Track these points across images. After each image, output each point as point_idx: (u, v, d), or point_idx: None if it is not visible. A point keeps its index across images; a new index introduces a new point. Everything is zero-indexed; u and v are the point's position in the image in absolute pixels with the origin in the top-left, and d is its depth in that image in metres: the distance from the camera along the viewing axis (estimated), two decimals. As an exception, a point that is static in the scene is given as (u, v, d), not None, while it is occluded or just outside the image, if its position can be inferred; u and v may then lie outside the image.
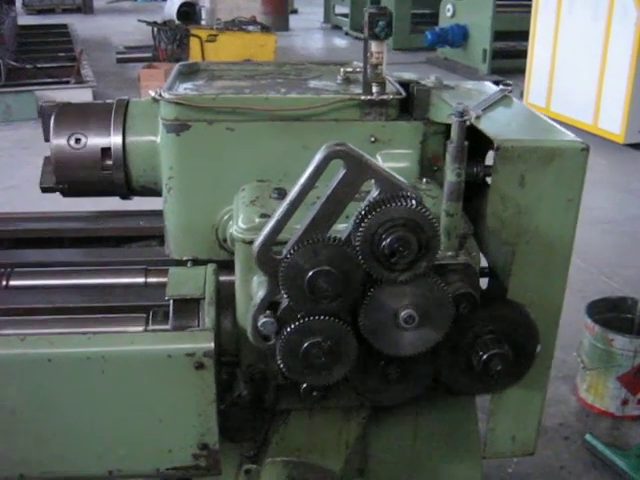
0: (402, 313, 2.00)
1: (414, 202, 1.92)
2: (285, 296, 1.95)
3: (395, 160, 2.55)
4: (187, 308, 2.25)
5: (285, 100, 2.51)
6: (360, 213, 1.93)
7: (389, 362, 2.16)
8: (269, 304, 2.06)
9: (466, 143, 2.07)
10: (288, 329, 1.99)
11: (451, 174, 2.08)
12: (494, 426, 2.49)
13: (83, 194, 2.84)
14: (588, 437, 4.08)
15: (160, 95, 2.53)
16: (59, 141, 2.72)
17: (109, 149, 2.72)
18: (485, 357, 2.15)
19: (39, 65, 11.60)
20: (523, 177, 2.19)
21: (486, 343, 2.17)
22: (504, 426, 2.50)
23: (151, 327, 2.30)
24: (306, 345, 1.99)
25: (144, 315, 2.34)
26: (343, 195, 1.96)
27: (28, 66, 11.41)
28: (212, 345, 2.10)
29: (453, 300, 2.04)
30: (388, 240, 1.89)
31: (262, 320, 2.03)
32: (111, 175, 2.74)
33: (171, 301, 2.27)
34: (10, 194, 7.26)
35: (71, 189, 2.81)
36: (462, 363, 2.21)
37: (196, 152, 2.53)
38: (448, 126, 2.47)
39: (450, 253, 2.14)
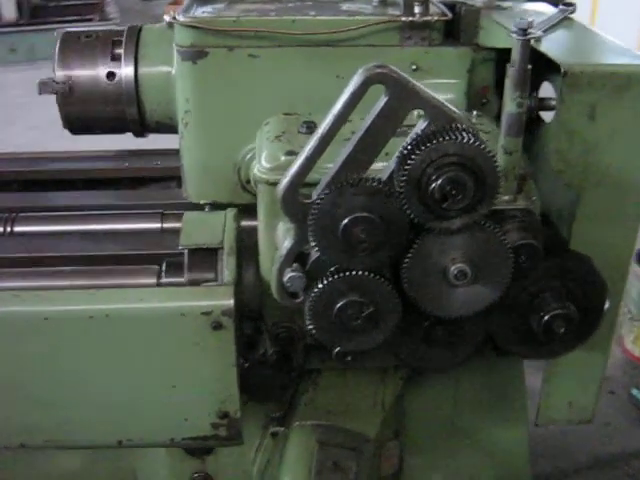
0: (452, 268, 1.62)
1: (471, 136, 1.52)
2: (315, 247, 1.58)
3: (439, 91, 2.11)
4: (203, 259, 1.88)
5: (315, 22, 2.10)
6: (405, 148, 1.54)
7: (435, 323, 1.78)
8: (297, 256, 1.69)
9: (529, 67, 1.66)
10: (319, 286, 1.61)
11: (511, 103, 1.68)
12: (550, 390, 2.13)
13: (94, 131, 2.47)
14: (634, 391, 3.72)
15: (174, 18, 2.13)
16: (65, 73, 2.34)
17: (120, 81, 2.33)
18: (547, 318, 1.78)
19: (63, 3, 10.99)
20: (594, 108, 1.78)
21: (548, 301, 1.79)
22: (561, 391, 2.14)
23: (165, 280, 1.94)
24: (339, 305, 1.62)
25: (157, 267, 1.98)
26: (384, 127, 1.57)
27: (52, 4, 10.85)
28: (232, 302, 1.74)
29: (512, 252, 1.66)
30: (439, 181, 1.50)
31: (289, 274, 1.66)
32: (123, 110, 2.36)
33: (186, 251, 1.90)
34: (33, 135, 6.84)
35: (81, 126, 2.44)
36: (520, 325, 1.83)
37: (215, 82, 2.14)
38: (500, 52, 2.07)
39: (507, 197, 1.75)
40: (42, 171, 2.64)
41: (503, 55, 2.00)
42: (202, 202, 2.20)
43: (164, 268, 1.96)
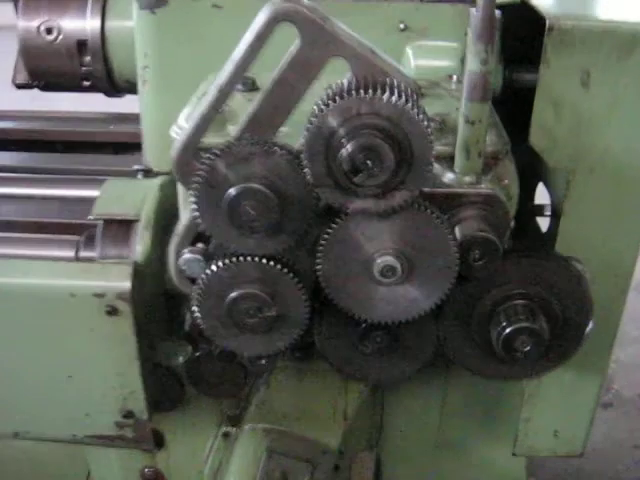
0: (378, 261, 1.23)
1: (397, 92, 1.13)
2: (201, 223, 1.22)
3: (431, 55, 1.75)
4: (118, 232, 1.55)
5: (287, -30, 1.72)
6: (316, 107, 1.16)
7: (371, 328, 1.39)
8: (200, 235, 1.33)
9: (498, 13, 1.25)
10: (208, 270, 1.25)
11: (474, 60, 1.27)
12: (531, 415, 1.71)
13: (61, 89, 2.17)
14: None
15: (133, -38, 1.80)
16: (27, 25, 2.05)
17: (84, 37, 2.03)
18: (508, 331, 1.35)
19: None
20: (588, 74, 1.36)
21: (511, 312, 1.37)
22: (545, 417, 1.72)
23: (82, 254, 1.61)
24: (231, 297, 1.26)
25: (79, 238, 1.65)
26: (297, 80, 1.19)
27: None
28: (128, 285, 1.41)
29: (462, 246, 1.26)
30: (349, 148, 1.11)
31: (185, 256, 1.32)
32: (89, 67, 2.06)
33: (100, 222, 1.57)
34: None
35: (47, 84, 2.15)
36: (477, 336, 1.42)
37: (175, 35, 1.81)
38: (508, 11, 1.65)
39: (468, 178, 1.34)
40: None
41: (512, 15, 1.59)
42: (161, 171, 1.87)
43: (83, 240, 1.64)
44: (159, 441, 2.07)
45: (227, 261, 1.24)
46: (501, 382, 2.00)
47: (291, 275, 1.25)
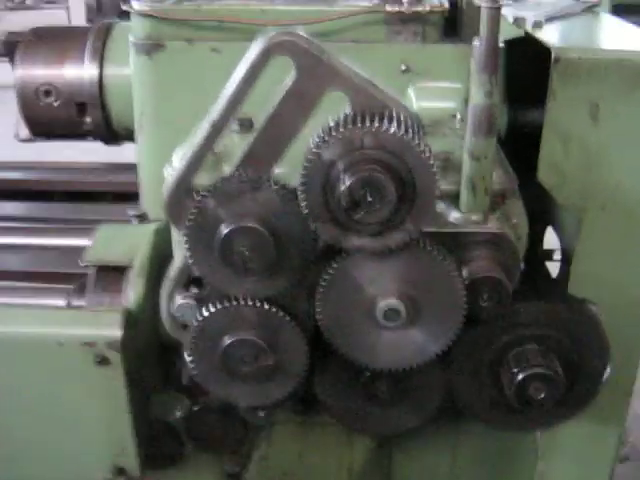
0: (381, 304, 1.15)
1: (400, 124, 1.06)
2: (193, 265, 1.14)
3: (434, 97, 1.69)
4: (109, 279, 1.47)
5: (286, 13, 1.68)
6: (313, 140, 1.09)
7: (375, 377, 1.30)
8: (194, 279, 1.26)
9: (502, 44, 1.19)
10: (201, 315, 1.17)
11: (477, 92, 1.21)
12: (546, 470, 1.59)
13: (60, 137, 2.12)
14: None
15: (129, 5, 1.76)
16: (25, 84, 2.01)
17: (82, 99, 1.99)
18: (521, 377, 1.26)
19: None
20: (596, 106, 1.30)
21: (523, 357, 1.28)
22: (560, 470, 1.60)
23: (74, 302, 1.53)
24: (226, 343, 1.17)
25: (71, 287, 1.58)
26: (293, 113, 1.13)
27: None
28: (119, 334, 1.32)
29: (470, 288, 1.17)
30: (348, 183, 1.04)
31: (178, 301, 1.24)
32: (89, 125, 2.01)
33: (92, 269, 1.49)
34: None
35: (48, 136, 2.10)
36: (488, 385, 1.33)
37: (172, 80, 1.75)
38: (511, 48, 1.60)
39: (475, 217, 1.27)
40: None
41: (516, 54, 1.55)
42: (158, 218, 1.80)
43: (75, 288, 1.56)
44: (157, 499, 1.96)
45: (221, 305, 1.16)
46: (513, 435, 1.90)
47: (289, 319, 1.17)
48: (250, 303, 1.15)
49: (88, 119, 2.02)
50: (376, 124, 1.06)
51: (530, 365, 1.26)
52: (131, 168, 2.22)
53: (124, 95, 1.92)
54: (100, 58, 1.98)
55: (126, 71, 1.89)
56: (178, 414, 1.75)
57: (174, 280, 1.25)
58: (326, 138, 1.06)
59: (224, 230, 1.08)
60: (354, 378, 1.32)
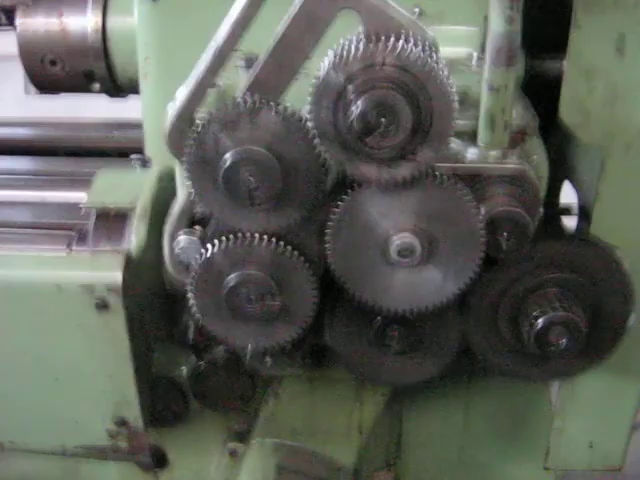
0: (395, 239, 1.07)
1: (416, 46, 0.98)
2: (194, 195, 1.06)
3: (449, 42, 1.57)
4: (111, 223, 1.39)
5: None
6: (323, 62, 1.01)
7: (388, 322, 1.23)
8: (197, 219, 1.18)
9: (525, -34, 1.11)
10: (204, 253, 1.10)
11: (497, 19, 1.13)
12: (564, 426, 1.52)
13: (61, 90, 2.04)
14: None
15: (133, -53, 1.67)
16: (30, 52, 1.93)
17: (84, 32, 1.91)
18: (541, 323, 1.18)
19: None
20: (623, 38, 1.20)
21: (544, 301, 1.20)
22: (579, 427, 1.53)
23: (74, 248, 1.46)
24: (230, 282, 1.09)
25: (72, 233, 1.50)
26: (302, 36, 1.05)
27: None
28: (119, 275, 1.25)
29: (489, 224, 1.10)
30: (360, 104, 0.96)
31: (181, 238, 1.16)
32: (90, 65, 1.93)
33: (92, 213, 1.42)
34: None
35: (46, 84, 2.02)
36: (506, 331, 1.25)
37: (178, 24, 1.66)
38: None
39: (494, 153, 1.19)
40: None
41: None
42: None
43: (76, 235, 1.49)
44: (161, 460, 1.90)
45: (225, 240, 1.08)
46: (527, 394, 1.83)
47: (298, 256, 1.09)
48: (257, 238, 1.08)
49: (96, 85, 1.96)
50: (395, 42, 0.98)
51: (550, 309, 1.18)
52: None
53: (128, 44, 1.85)
54: (103, 8, 1.91)
55: (130, 20, 1.82)
56: (183, 370, 1.69)
57: (177, 218, 1.18)
58: (338, 57, 0.97)
59: (227, 157, 1.00)
60: (366, 324, 1.25)
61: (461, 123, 1.21)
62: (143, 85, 1.74)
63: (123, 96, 2.08)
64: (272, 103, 1.01)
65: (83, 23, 1.91)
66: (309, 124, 1.00)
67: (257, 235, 1.08)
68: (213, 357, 1.67)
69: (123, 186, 1.44)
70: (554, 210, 1.67)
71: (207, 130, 1.02)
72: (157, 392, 1.67)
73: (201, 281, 1.12)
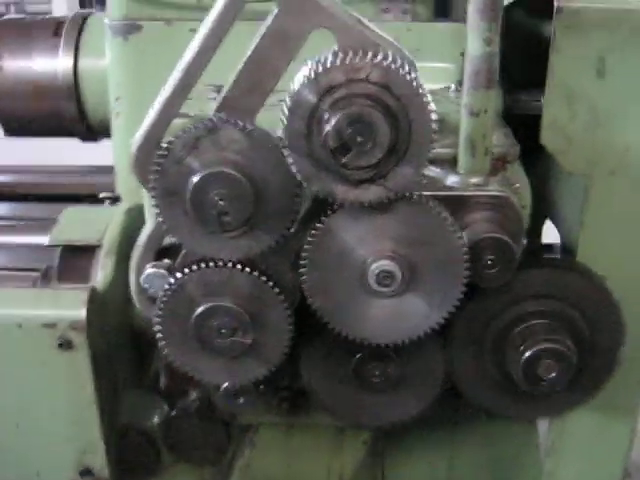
0: (373, 266, 1.01)
1: (392, 59, 0.94)
2: (162, 222, 1.00)
3: (425, 78, 1.56)
4: (76, 260, 1.32)
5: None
6: (299, 76, 0.96)
7: (367, 357, 1.16)
8: (167, 249, 1.11)
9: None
10: (170, 281, 1.03)
11: (475, 40, 1.09)
12: (554, 469, 1.44)
13: (31, 133, 1.98)
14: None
15: (104, -15, 1.65)
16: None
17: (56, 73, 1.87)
18: (529, 354, 1.11)
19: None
20: (603, 61, 1.17)
21: (532, 331, 1.14)
22: (570, 469, 1.44)
23: (39, 287, 1.38)
24: (198, 312, 1.02)
25: (38, 273, 1.43)
26: (274, 54, 1.00)
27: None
28: (83, 313, 1.17)
29: (472, 250, 1.04)
30: (335, 120, 0.90)
31: (148, 271, 1.09)
32: (59, 107, 1.88)
33: (58, 250, 1.35)
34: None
35: (16, 126, 1.96)
36: (492, 365, 1.18)
37: (150, 62, 1.62)
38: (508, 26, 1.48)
39: (475, 179, 1.14)
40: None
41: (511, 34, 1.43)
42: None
43: (41, 273, 1.41)
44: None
45: (194, 267, 1.01)
46: (515, 439, 1.75)
47: (271, 285, 1.02)
48: (228, 266, 1.01)
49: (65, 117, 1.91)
50: (379, 58, 0.93)
51: (539, 340, 1.12)
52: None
53: (99, 86, 1.81)
54: (75, 49, 1.87)
55: (102, 62, 1.78)
56: (155, 420, 1.60)
57: (144, 249, 1.11)
58: (314, 71, 0.93)
59: (195, 178, 0.94)
60: (345, 361, 1.17)
61: (440, 151, 1.17)
62: (114, 125, 1.69)
63: (95, 140, 2.03)
64: (238, 122, 0.95)
65: (54, 65, 1.87)
66: (282, 143, 0.94)
67: (228, 263, 1.01)
68: (186, 405, 1.58)
69: (90, 222, 1.37)
70: (536, 247, 1.63)
71: (172, 154, 0.96)
72: (127, 443, 1.57)
73: (168, 312, 1.04)
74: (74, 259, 1.32)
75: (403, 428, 1.68)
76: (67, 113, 1.87)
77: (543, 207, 1.45)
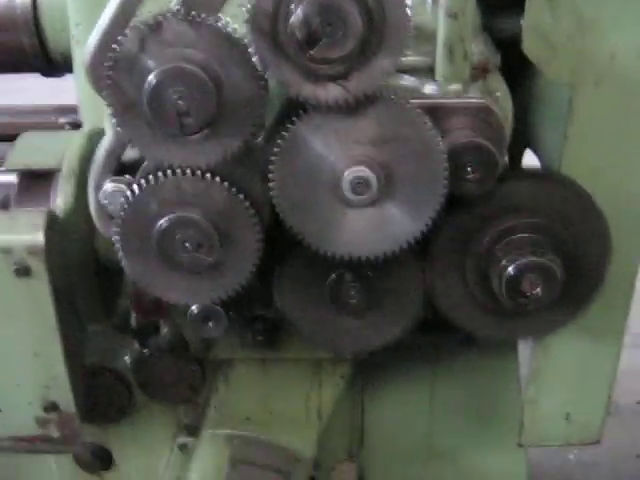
0: (347, 173, 0.94)
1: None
2: (119, 131, 0.92)
3: None
4: (34, 185, 1.24)
5: None
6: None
7: (343, 276, 1.09)
8: (126, 166, 1.04)
9: None
10: (128, 194, 0.95)
11: None
12: (538, 397, 1.39)
13: None
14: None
15: None
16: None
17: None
18: (512, 269, 1.05)
19: None
20: (589, -40, 1.10)
21: (515, 245, 1.08)
22: (553, 397, 1.40)
23: (-1, 215, 1.30)
24: (160, 226, 0.95)
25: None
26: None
27: None
28: (40, 237, 1.09)
29: (452, 156, 0.97)
30: (301, 9, 0.82)
31: (107, 186, 1.01)
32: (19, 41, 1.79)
33: (16, 175, 1.26)
34: None
35: None
36: (472, 280, 1.12)
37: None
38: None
39: (454, 87, 1.07)
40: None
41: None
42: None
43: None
44: (106, 460, 1.73)
45: (154, 178, 0.94)
46: (496, 372, 1.71)
47: (237, 194, 0.95)
48: (189, 174, 0.93)
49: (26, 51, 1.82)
50: None
51: (522, 254, 1.05)
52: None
53: (60, 17, 1.71)
54: None
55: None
56: (126, 360, 1.54)
57: (102, 164, 1.03)
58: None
59: (152, 76, 0.86)
60: (320, 282, 1.11)
61: (416, 59, 1.10)
62: (76, 53, 1.60)
63: (58, 75, 1.94)
64: (192, 14, 0.87)
65: None
66: (246, 39, 0.87)
67: (189, 171, 0.94)
68: (158, 343, 1.52)
69: (48, 147, 1.28)
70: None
71: (128, 51, 0.88)
72: (97, 384, 1.52)
73: (128, 228, 0.97)
74: (32, 185, 1.24)
75: (382, 361, 1.65)
76: (27, 47, 1.78)
77: (524, 137, 1.38)
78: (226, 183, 0.94)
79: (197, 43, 0.87)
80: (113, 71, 0.89)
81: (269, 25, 0.86)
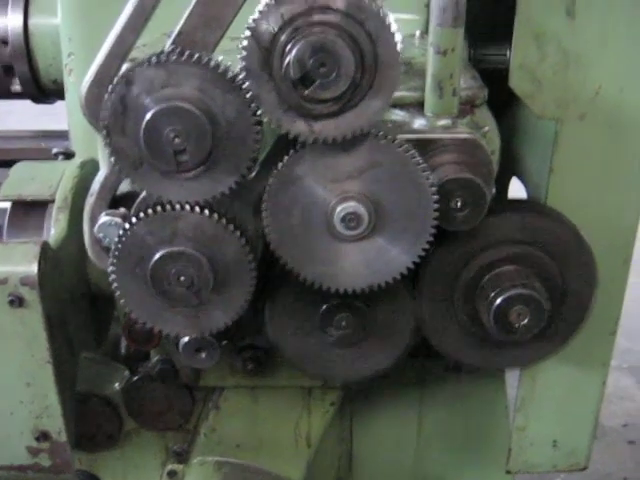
0: (338, 208, 0.96)
1: (355, -13, 0.88)
2: (115, 168, 0.93)
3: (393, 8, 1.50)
4: (28, 215, 1.25)
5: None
6: (253, 16, 0.90)
7: (334, 307, 1.11)
8: (123, 197, 1.05)
9: None
10: (124, 228, 0.96)
11: (442, -26, 1.04)
12: (524, 424, 1.41)
13: None
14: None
15: None
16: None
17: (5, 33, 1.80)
18: (500, 301, 1.07)
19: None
20: (572, 1, 1.13)
21: (503, 277, 1.10)
22: (540, 424, 1.42)
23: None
24: (155, 259, 0.96)
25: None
26: (230, -15, 0.93)
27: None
28: (34, 268, 1.10)
29: (441, 191, 1.00)
30: (295, 51, 0.85)
31: (102, 220, 1.02)
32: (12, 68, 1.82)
33: (8, 205, 1.28)
34: None
35: None
36: (461, 312, 1.14)
37: (102, 14, 1.53)
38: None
39: (443, 121, 1.09)
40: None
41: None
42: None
43: (-8, 231, 1.33)
44: (90, 488, 1.73)
45: (149, 212, 0.95)
46: (484, 396, 1.73)
47: (232, 229, 0.96)
48: (187, 209, 0.95)
49: (16, 80, 1.84)
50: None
51: (510, 286, 1.08)
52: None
53: (51, 44, 1.74)
54: (25, 6, 1.79)
55: (53, 20, 1.71)
56: (116, 386, 1.54)
57: (97, 195, 1.04)
58: (267, 7, 0.87)
59: (149, 114, 0.88)
60: (310, 313, 1.12)
61: (406, 94, 1.12)
62: (67, 82, 1.63)
63: (49, 102, 1.96)
64: (190, 53, 0.89)
65: (3, 23, 1.80)
66: (240, 76, 0.89)
67: (186, 206, 0.95)
68: (148, 369, 1.53)
69: (42, 177, 1.30)
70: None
71: (124, 88, 0.90)
72: (87, 411, 1.52)
73: (123, 261, 0.98)
74: (25, 215, 1.25)
75: (371, 388, 1.66)
76: (18, 74, 1.80)
77: (510, 166, 1.41)
78: (224, 220, 0.95)
79: (192, 81, 0.89)
80: (112, 106, 0.91)
81: (264, 64, 0.88)
